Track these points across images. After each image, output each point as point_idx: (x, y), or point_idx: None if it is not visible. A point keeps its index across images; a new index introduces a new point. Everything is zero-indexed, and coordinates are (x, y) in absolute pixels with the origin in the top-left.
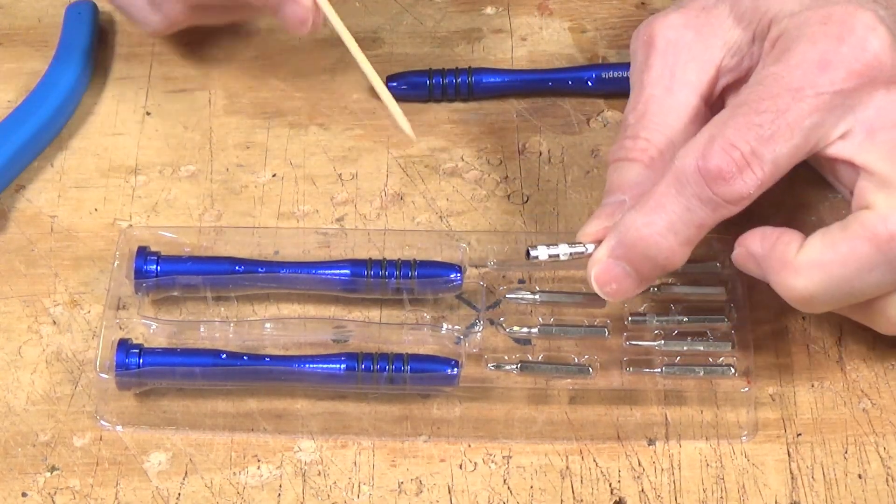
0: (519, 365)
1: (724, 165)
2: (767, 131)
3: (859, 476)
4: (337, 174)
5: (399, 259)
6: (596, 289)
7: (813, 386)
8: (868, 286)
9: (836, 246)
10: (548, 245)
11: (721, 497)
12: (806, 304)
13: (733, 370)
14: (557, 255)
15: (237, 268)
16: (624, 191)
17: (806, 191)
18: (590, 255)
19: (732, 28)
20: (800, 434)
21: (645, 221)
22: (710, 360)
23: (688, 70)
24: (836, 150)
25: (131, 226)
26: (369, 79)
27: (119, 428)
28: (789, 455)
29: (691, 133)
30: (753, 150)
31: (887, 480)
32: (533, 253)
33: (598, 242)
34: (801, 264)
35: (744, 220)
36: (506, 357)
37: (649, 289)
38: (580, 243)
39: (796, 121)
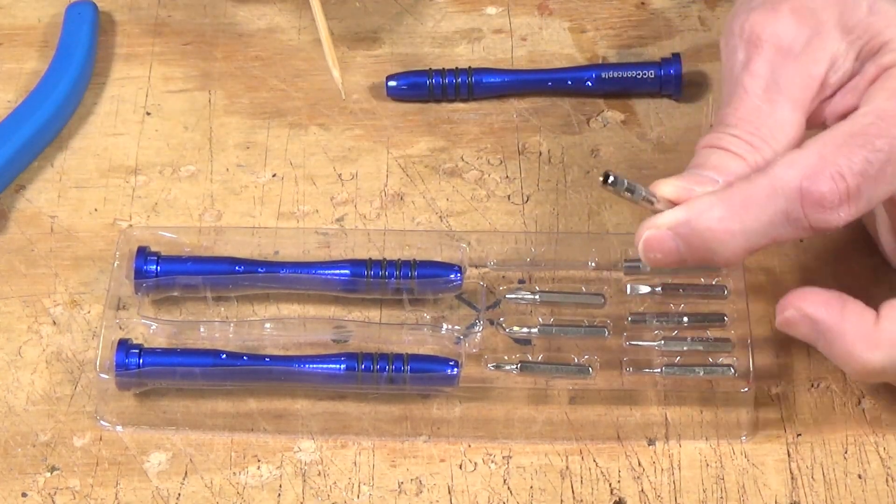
0: (519, 365)
1: (829, 194)
2: (876, 171)
3: (859, 476)
4: (337, 174)
5: (399, 259)
6: (640, 249)
7: (813, 386)
8: None
9: None
10: (626, 179)
11: (721, 497)
12: (874, 375)
13: (733, 370)
14: (633, 192)
15: (237, 268)
16: (720, 173)
17: None
18: (656, 210)
19: (839, 40)
20: (800, 434)
21: (722, 216)
22: (710, 360)
23: (794, 85)
24: None
25: (131, 226)
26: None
27: (119, 428)
28: (789, 455)
29: (791, 147)
30: (859, 186)
31: (887, 480)
32: (612, 179)
33: (671, 203)
34: (881, 339)
35: None
36: (506, 357)
37: (652, 290)
38: (654, 195)
39: None
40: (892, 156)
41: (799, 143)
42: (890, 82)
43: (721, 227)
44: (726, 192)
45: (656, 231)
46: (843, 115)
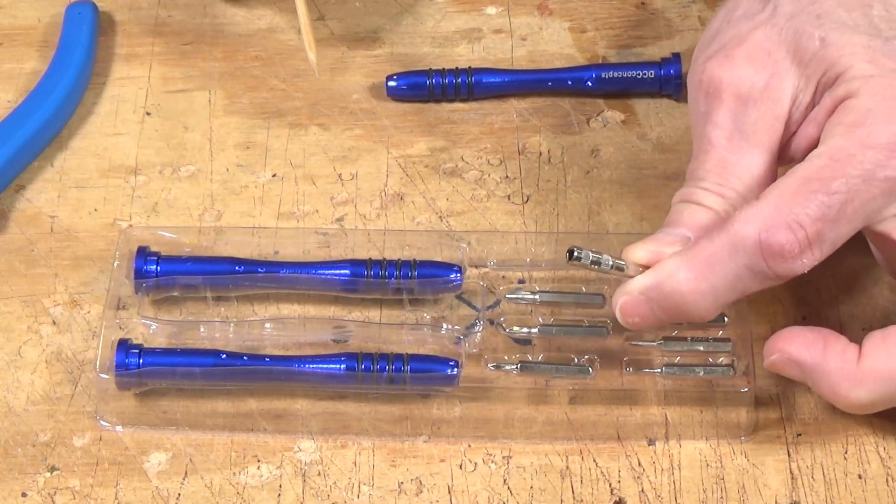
0: (519, 365)
1: (788, 245)
2: (834, 214)
3: (859, 476)
4: (337, 174)
5: (399, 259)
6: (618, 315)
7: None
8: None
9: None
10: (592, 251)
11: (721, 497)
12: (862, 409)
13: (733, 370)
14: (599, 264)
15: (237, 268)
16: (691, 229)
17: None
18: (627, 276)
19: (797, 76)
20: (800, 434)
21: (688, 277)
22: (710, 360)
23: (758, 129)
24: (887, 227)
25: (131, 226)
26: None
27: (119, 428)
28: (789, 455)
29: (761, 189)
30: (818, 232)
31: (887, 480)
32: (577, 254)
33: (643, 267)
34: (864, 375)
35: None
36: (506, 357)
37: None
38: (622, 261)
39: (862, 205)
40: (849, 196)
41: (769, 183)
42: (843, 117)
43: (689, 289)
44: (690, 252)
45: (629, 297)
46: (808, 149)
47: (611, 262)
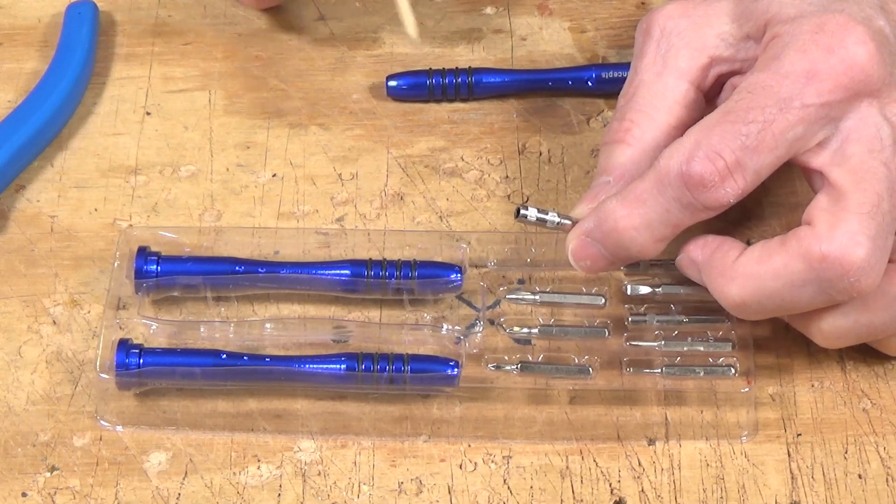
0: (519, 365)
1: (707, 174)
2: (753, 142)
3: (859, 476)
4: (337, 174)
5: (399, 259)
6: (571, 261)
7: (813, 386)
8: (798, 301)
9: (771, 259)
10: (538, 209)
11: (721, 497)
12: (738, 310)
13: (733, 371)
14: (545, 221)
15: (237, 268)
16: (609, 172)
17: (806, 191)
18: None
19: (728, 23)
20: (800, 434)
21: (623, 214)
22: (711, 360)
23: (679, 56)
24: (811, 158)
25: (131, 226)
26: None
27: (119, 428)
28: (789, 455)
29: (677, 116)
30: (738, 160)
31: (887, 480)
32: (523, 212)
33: None
34: (736, 273)
35: (743, 218)
36: (506, 357)
37: (652, 290)
38: (568, 217)
39: (782, 132)
40: (766, 124)
41: (689, 114)
42: (764, 54)
43: (625, 225)
44: (625, 191)
45: (576, 239)
46: None
47: (557, 220)
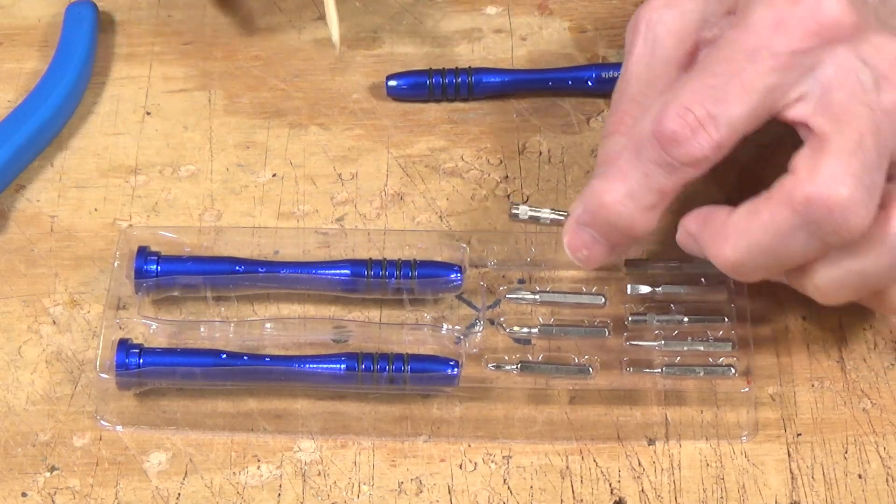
0: (519, 365)
1: (678, 128)
2: (721, 93)
3: (859, 476)
4: (337, 174)
5: (399, 259)
6: (570, 256)
7: (813, 386)
8: (792, 251)
9: (759, 213)
10: (531, 207)
11: (721, 497)
12: (736, 271)
13: (733, 371)
14: (538, 218)
15: (237, 268)
16: (605, 164)
17: None
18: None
19: (711, 3)
20: (800, 434)
21: (606, 189)
22: (711, 360)
23: (666, 45)
24: (793, 112)
25: (131, 226)
26: None
27: (119, 428)
28: (789, 455)
29: None
30: (708, 113)
31: (887, 480)
32: (514, 211)
33: None
34: (728, 233)
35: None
36: (506, 357)
37: (652, 290)
38: (563, 211)
39: (751, 82)
40: (734, 75)
41: None
42: (734, 18)
43: (610, 200)
44: (606, 169)
45: (569, 231)
46: None
47: (549, 217)
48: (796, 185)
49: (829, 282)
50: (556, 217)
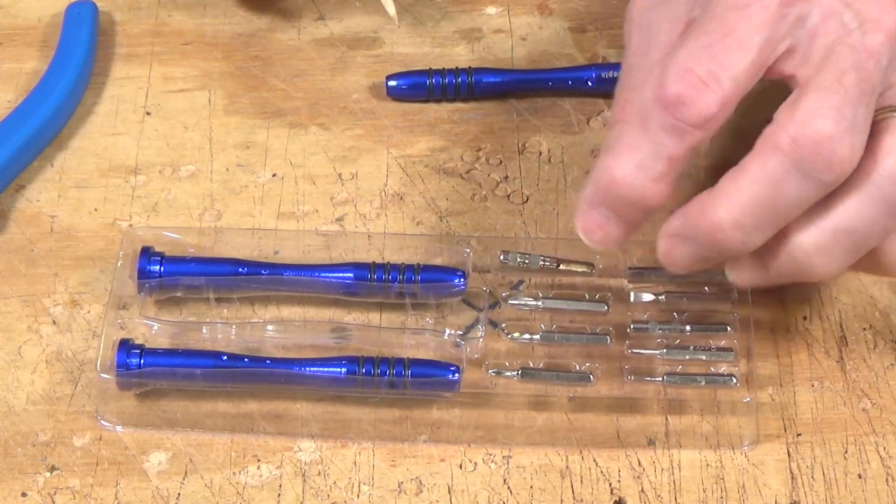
0: (520, 371)
1: (682, 89)
2: (719, 50)
3: (859, 476)
4: (337, 174)
5: (402, 263)
6: (585, 241)
7: (813, 386)
8: (788, 198)
9: (747, 169)
10: (520, 254)
11: (721, 497)
12: (735, 235)
13: (735, 380)
14: (527, 264)
15: (241, 269)
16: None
17: None
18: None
19: None
20: (800, 434)
21: (615, 164)
22: (712, 369)
23: (660, 31)
24: (784, 66)
25: (131, 226)
26: None
27: (119, 428)
28: (789, 455)
29: None
30: (709, 71)
31: (887, 480)
32: (503, 258)
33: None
34: (717, 198)
35: None
36: (507, 363)
37: (655, 298)
38: (548, 260)
39: (746, 36)
40: (729, 31)
41: None
42: None
43: (620, 173)
44: (612, 146)
45: (582, 214)
46: None
47: (541, 262)
48: (779, 130)
49: (818, 243)
50: (545, 264)
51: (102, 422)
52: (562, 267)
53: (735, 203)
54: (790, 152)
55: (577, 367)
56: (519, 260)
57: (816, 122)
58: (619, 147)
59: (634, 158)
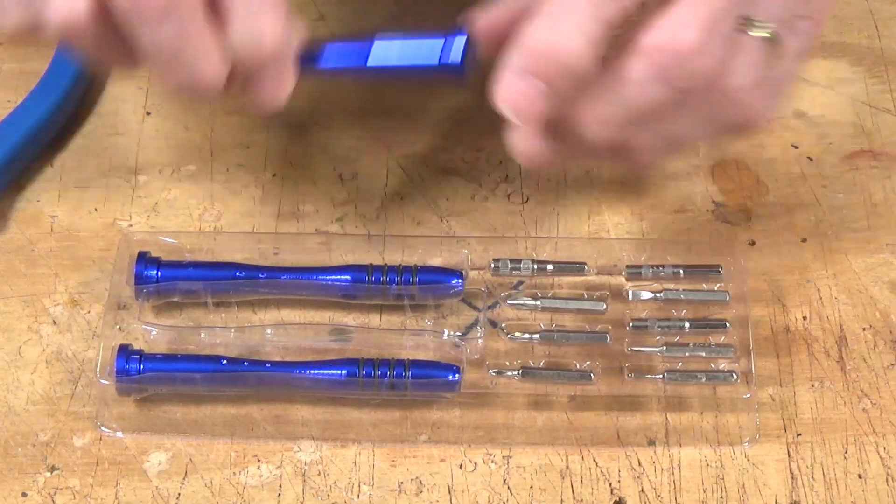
0: (520, 371)
1: None
2: None
3: (859, 476)
4: (337, 174)
5: (400, 265)
6: (507, 114)
7: (813, 386)
8: (655, 107)
9: (619, 72)
10: (511, 261)
11: (721, 497)
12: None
13: (735, 376)
14: (519, 269)
15: (238, 273)
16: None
17: (807, 191)
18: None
19: None
20: (800, 434)
21: (551, 28)
22: (712, 366)
23: None
24: None
25: (131, 226)
26: None
27: (119, 434)
28: (789, 455)
29: None
30: None
31: (887, 480)
32: (494, 266)
33: (497, 39)
34: (597, 97)
35: (744, 219)
36: (507, 363)
37: (654, 296)
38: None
39: None
40: None
41: None
42: None
43: (557, 37)
44: (545, 9)
45: (507, 85)
46: None
47: (531, 268)
48: (647, 36)
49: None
50: (539, 266)
51: (103, 428)
52: (550, 268)
53: (602, 113)
54: (656, 59)
55: (578, 366)
56: (510, 266)
57: (681, 31)
58: (553, 11)
59: (573, 20)
